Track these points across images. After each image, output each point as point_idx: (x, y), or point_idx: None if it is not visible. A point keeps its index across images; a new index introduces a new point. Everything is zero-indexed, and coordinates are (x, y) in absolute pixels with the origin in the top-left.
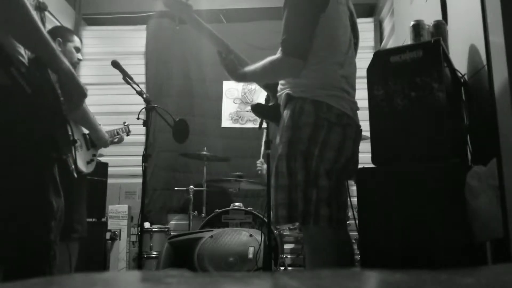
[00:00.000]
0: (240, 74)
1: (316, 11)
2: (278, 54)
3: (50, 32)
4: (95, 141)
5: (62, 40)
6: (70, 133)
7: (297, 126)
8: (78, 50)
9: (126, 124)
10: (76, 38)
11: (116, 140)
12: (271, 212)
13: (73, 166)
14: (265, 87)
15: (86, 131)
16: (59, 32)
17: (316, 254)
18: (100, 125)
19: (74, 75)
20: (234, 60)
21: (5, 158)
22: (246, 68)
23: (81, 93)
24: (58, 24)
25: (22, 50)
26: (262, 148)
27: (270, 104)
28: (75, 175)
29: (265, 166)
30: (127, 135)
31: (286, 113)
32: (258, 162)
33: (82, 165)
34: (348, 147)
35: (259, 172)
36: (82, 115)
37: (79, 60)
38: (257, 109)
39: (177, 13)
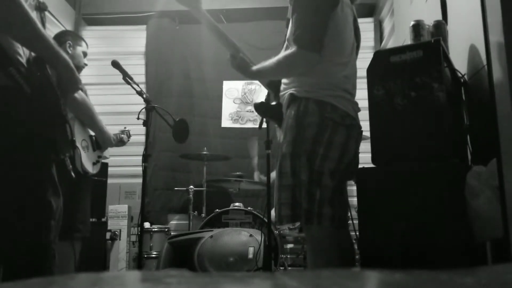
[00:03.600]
0: (253, 71)
1: (328, 9)
2: (292, 49)
3: (61, 34)
4: (100, 143)
5: (72, 43)
6: (69, 133)
7: (302, 125)
8: (85, 55)
9: (126, 129)
10: (84, 44)
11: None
12: (273, 212)
13: (70, 166)
14: (268, 85)
15: (92, 133)
16: (69, 36)
17: (318, 253)
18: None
19: (73, 69)
20: (244, 58)
21: (4, 157)
22: (258, 65)
23: (75, 86)
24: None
25: (20, 50)
26: (256, 160)
27: (272, 103)
28: (73, 175)
29: (262, 176)
30: (128, 139)
31: (290, 113)
32: (255, 176)
33: (88, 166)
34: (351, 147)
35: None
36: (88, 117)
37: (85, 65)
38: (260, 107)
39: (188, 8)
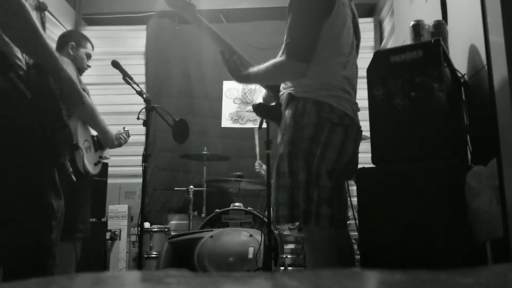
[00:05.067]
0: (243, 76)
1: (321, 16)
2: (281, 57)
3: (65, 35)
4: (102, 143)
5: (75, 45)
6: (70, 137)
7: (299, 126)
8: (89, 57)
9: (126, 129)
10: (89, 45)
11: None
12: (272, 212)
13: (71, 170)
14: (267, 86)
15: (94, 133)
16: (73, 37)
17: (317, 254)
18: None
19: (74, 83)
20: (236, 61)
21: (5, 160)
22: (249, 69)
23: (80, 101)
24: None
25: (19, 53)
26: (258, 149)
27: (271, 104)
28: (74, 178)
29: (264, 166)
30: (127, 139)
31: (288, 113)
32: (256, 163)
33: (90, 167)
34: (349, 147)
35: (257, 171)
36: (90, 117)
37: (88, 66)
38: (258, 109)
39: (180, 12)
